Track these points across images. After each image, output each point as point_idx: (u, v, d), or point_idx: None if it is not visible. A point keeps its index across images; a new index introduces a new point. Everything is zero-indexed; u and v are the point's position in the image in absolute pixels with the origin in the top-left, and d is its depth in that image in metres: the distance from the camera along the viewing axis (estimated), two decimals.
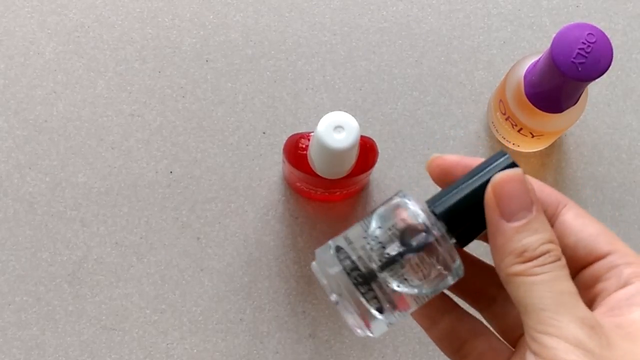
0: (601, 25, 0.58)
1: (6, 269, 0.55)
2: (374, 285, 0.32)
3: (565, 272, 0.30)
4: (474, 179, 0.32)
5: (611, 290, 0.31)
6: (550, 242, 0.30)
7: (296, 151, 0.49)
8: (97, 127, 0.57)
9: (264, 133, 0.57)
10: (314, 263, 0.34)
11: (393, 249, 0.32)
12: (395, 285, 0.32)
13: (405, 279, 0.32)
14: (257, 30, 0.58)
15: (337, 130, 0.43)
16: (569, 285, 0.29)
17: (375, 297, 0.32)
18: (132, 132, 0.57)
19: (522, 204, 0.30)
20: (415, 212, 0.32)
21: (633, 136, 0.58)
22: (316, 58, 0.58)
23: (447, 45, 0.59)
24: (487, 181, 0.31)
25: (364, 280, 0.32)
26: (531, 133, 0.52)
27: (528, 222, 0.30)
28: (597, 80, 0.44)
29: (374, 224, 0.33)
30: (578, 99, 0.49)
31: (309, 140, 0.48)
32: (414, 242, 0.32)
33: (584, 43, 0.44)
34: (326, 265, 0.33)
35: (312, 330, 0.55)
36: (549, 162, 0.57)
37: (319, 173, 0.48)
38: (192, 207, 0.56)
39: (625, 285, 0.30)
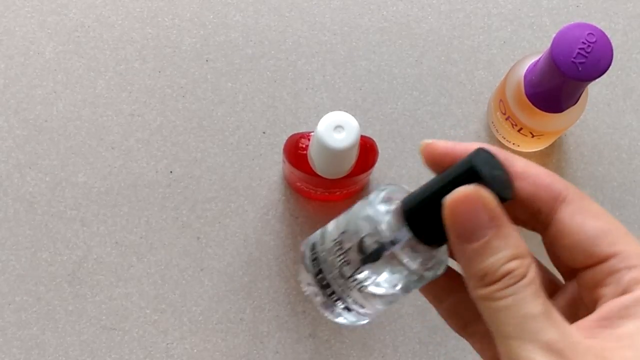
0: (601, 25, 0.58)
1: (6, 269, 0.55)
2: (337, 289, 0.32)
3: (531, 291, 0.27)
4: (444, 181, 0.30)
5: (609, 297, 0.28)
6: (514, 258, 0.28)
7: (296, 151, 0.49)
8: (97, 127, 0.57)
9: (264, 133, 0.57)
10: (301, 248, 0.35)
11: (353, 257, 0.32)
12: (359, 288, 0.32)
13: (369, 283, 0.32)
14: (257, 30, 0.58)
15: (337, 130, 0.43)
16: (534, 306, 0.27)
17: (340, 299, 0.33)
18: (132, 132, 0.57)
19: (478, 223, 0.28)
20: (376, 218, 0.31)
21: (633, 136, 0.58)
22: (316, 58, 0.58)
23: (447, 45, 0.59)
24: (449, 185, 0.29)
25: (327, 284, 0.33)
26: (531, 133, 0.52)
27: (487, 242, 0.28)
28: (597, 80, 0.44)
29: (342, 225, 0.33)
30: (578, 99, 0.49)
31: (309, 140, 0.48)
32: (371, 251, 0.32)
33: (584, 43, 0.44)
34: (303, 259, 0.34)
35: (312, 330, 0.55)
36: (549, 162, 0.57)
37: (319, 173, 0.48)
38: (192, 207, 0.56)
39: (623, 292, 0.28)
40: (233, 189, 0.56)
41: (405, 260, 0.31)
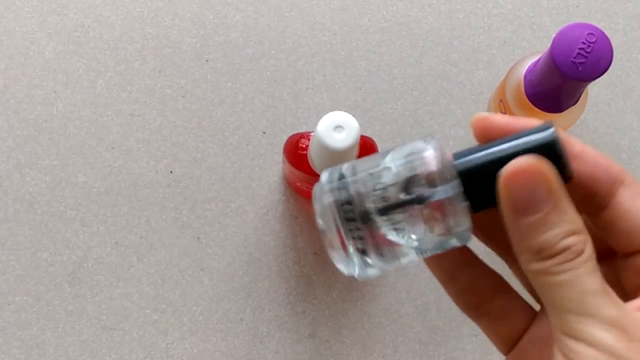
0: (601, 25, 0.58)
1: (6, 269, 0.55)
2: (363, 227, 0.30)
3: (589, 267, 0.27)
4: (507, 146, 0.29)
5: None
6: (572, 233, 0.27)
7: (296, 151, 0.49)
8: (97, 127, 0.57)
9: (264, 133, 0.57)
10: (316, 184, 0.32)
11: (394, 195, 0.30)
12: (387, 233, 0.30)
13: (400, 229, 0.30)
14: (257, 30, 0.58)
15: (337, 130, 0.43)
16: (593, 282, 0.27)
17: (362, 238, 0.30)
18: (132, 132, 0.57)
19: (536, 197, 0.27)
20: (430, 162, 0.30)
21: (633, 136, 0.58)
22: (316, 58, 0.58)
23: (447, 45, 0.59)
24: (516, 154, 0.28)
25: (353, 217, 0.30)
26: None
27: (544, 216, 0.27)
28: (597, 80, 0.44)
29: (386, 162, 0.31)
30: (578, 99, 0.49)
31: (309, 140, 0.48)
32: (417, 194, 0.30)
33: (584, 43, 0.44)
34: (324, 190, 0.31)
35: (312, 330, 0.55)
36: None
37: (319, 173, 0.48)
38: (192, 207, 0.56)
39: None
40: (233, 189, 0.56)
41: (447, 215, 0.30)
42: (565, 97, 0.48)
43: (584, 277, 0.27)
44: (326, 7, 0.59)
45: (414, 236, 0.30)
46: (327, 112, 0.43)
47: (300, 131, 0.51)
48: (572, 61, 0.44)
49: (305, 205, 0.56)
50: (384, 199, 0.30)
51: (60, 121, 0.57)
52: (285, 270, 0.55)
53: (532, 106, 0.49)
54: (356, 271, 0.31)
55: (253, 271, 0.55)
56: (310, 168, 0.48)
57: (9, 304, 0.54)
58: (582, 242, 0.27)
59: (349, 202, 0.30)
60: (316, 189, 0.32)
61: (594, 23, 0.46)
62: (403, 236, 0.30)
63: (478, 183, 0.29)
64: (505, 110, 0.52)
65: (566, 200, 0.28)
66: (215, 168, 0.56)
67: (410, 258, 0.31)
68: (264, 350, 0.54)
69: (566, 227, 0.27)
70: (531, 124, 0.30)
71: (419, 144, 0.31)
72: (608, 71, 0.44)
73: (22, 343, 0.54)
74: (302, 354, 0.55)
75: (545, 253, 0.27)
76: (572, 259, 0.27)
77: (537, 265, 0.27)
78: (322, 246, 0.56)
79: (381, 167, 0.31)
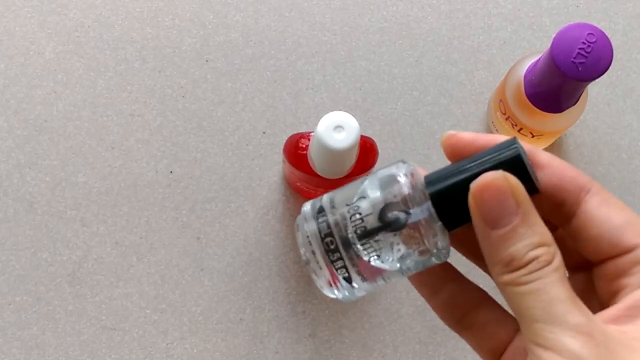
0: (601, 25, 0.58)
1: (6, 269, 0.55)
2: (344, 255, 0.32)
3: (557, 277, 0.28)
4: (475, 164, 0.31)
5: (634, 287, 0.29)
6: (540, 245, 0.28)
7: (296, 151, 0.49)
8: (97, 127, 0.57)
9: (264, 133, 0.57)
10: (299, 215, 0.34)
11: (370, 223, 0.32)
12: (368, 258, 0.32)
13: (381, 254, 0.32)
14: (257, 30, 0.58)
15: (337, 130, 0.43)
16: (560, 291, 0.27)
17: (344, 267, 0.32)
18: (132, 132, 0.57)
19: (504, 210, 0.28)
20: (402, 188, 0.31)
21: (633, 136, 0.58)
22: (316, 58, 0.58)
23: (447, 45, 0.59)
24: (483, 171, 0.30)
25: (335, 248, 0.32)
26: (531, 133, 0.52)
27: (513, 229, 0.28)
28: (597, 80, 0.44)
29: (360, 191, 0.33)
30: (578, 99, 0.49)
31: (309, 140, 0.48)
32: (392, 221, 0.31)
33: (584, 43, 0.44)
34: (306, 221, 0.33)
35: (312, 330, 0.55)
36: None
37: (319, 173, 0.48)
38: (192, 207, 0.56)
39: None
40: (233, 189, 0.56)
41: (423, 236, 0.31)
42: (565, 97, 0.48)
43: (551, 286, 0.27)
44: (326, 7, 0.59)
45: (394, 259, 0.32)
46: (327, 112, 0.43)
47: (300, 131, 0.51)
48: (572, 61, 0.44)
49: None
50: (363, 227, 0.32)
51: (60, 121, 0.57)
52: (285, 270, 0.55)
53: (532, 106, 0.49)
54: (342, 295, 0.33)
55: (253, 271, 0.55)
56: (310, 168, 0.48)
57: (9, 304, 0.54)
58: (550, 253, 0.28)
59: (329, 233, 0.32)
60: (298, 220, 0.34)
61: (594, 23, 0.46)
62: (384, 260, 0.32)
63: (450, 202, 0.31)
64: (505, 110, 0.52)
65: (534, 213, 0.28)
66: (215, 168, 0.56)
67: (395, 278, 0.33)
68: (264, 350, 0.54)
69: (534, 239, 0.28)
70: (496, 140, 0.31)
71: (392, 170, 0.32)
72: (608, 71, 0.44)
73: (22, 343, 0.54)
74: (302, 354, 0.55)
75: (514, 264, 0.28)
76: (539, 269, 0.28)
77: (507, 277, 0.28)
78: None
79: (357, 196, 0.32)
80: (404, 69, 0.58)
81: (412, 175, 0.32)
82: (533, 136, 0.52)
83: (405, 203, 0.31)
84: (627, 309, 0.28)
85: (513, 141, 0.30)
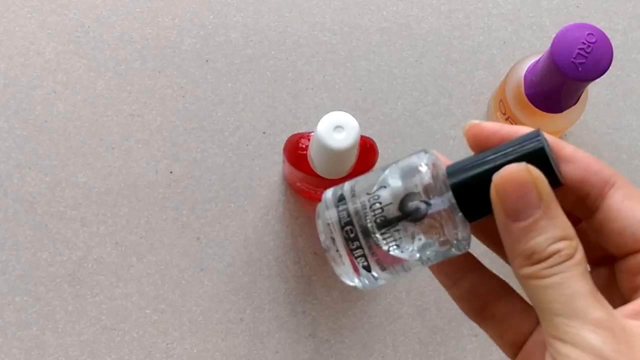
0: (601, 25, 0.58)
1: (6, 269, 0.55)
2: (364, 243, 0.32)
3: (577, 271, 0.27)
4: (497, 155, 0.30)
5: None
6: (562, 239, 0.28)
7: (296, 151, 0.49)
8: (97, 127, 0.57)
9: (264, 133, 0.57)
10: (320, 203, 0.34)
11: (390, 213, 0.31)
12: (387, 248, 0.32)
13: (401, 244, 0.32)
14: (257, 30, 0.58)
15: (337, 130, 0.43)
16: (581, 285, 0.27)
17: (363, 255, 0.32)
18: (132, 132, 0.57)
19: (527, 202, 0.28)
20: (423, 178, 0.31)
21: (633, 136, 0.58)
22: (316, 58, 0.58)
23: (447, 45, 0.59)
24: (506, 163, 0.30)
25: (355, 237, 0.32)
26: None
27: (534, 222, 0.28)
28: (597, 80, 0.44)
29: (381, 180, 0.33)
30: (578, 99, 0.49)
31: (309, 140, 0.48)
32: (412, 211, 0.31)
33: (584, 43, 0.44)
34: (327, 209, 0.33)
35: (312, 330, 0.55)
36: None
37: (319, 173, 0.48)
38: (192, 207, 0.56)
39: None
40: (233, 189, 0.56)
41: (444, 227, 0.31)
42: (565, 97, 0.48)
43: (572, 280, 0.27)
44: (326, 7, 0.59)
45: (414, 249, 0.32)
46: (327, 112, 0.43)
47: (300, 131, 0.51)
48: (572, 61, 0.44)
49: (305, 205, 0.56)
50: (383, 217, 0.32)
51: (60, 121, 0.57)
52: (285, 270, 0.55)
53: (532, 106, 0.49)
54: (362, 284, 0.33)
55: (253, 271, 0.55)
56: (310, 168, 0.48)
57: (9, 304, 0.54)
58: (571, 247, 0.28)
59: (349, 222, 0.32)
60: (319, 207, 0.34)
61: (594, 23, 0.46)
62: (403, 250, 0.32)
63: (471, 193, 0.30)
64: (505, 110, 0.52)
65: (556, 206, 0.28)
66: (215, 168, 0.56)
67: (415, 267, 0.33)
68: (264, 350, 0.54)
69: (556, 232, 0.28)
70: (520, 131, 0.30)
71: (413, 159, 0.32)
72: (608, 71, 0.44)
73: (22, 343, 0.54)
74: (302, 354, 0.55)
75: (535, 257, 0.28)
76: (560, 262, 0.27)
77: (527, 270, 0.28)
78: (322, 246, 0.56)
79: (378, 186, 0.32)
80: (404, 69, 0.58)
81: (433, 165, 0.32)
82: None
83: (426, 193, 0.31)
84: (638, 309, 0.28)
85: (537, 133, 0.29)
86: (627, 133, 0.58)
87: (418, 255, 0.32)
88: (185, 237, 0.56)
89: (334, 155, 0.44)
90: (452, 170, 0.31)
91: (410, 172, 0.32)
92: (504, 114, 0.52)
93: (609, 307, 0.27)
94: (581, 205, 0.31)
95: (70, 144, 0.57)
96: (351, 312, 0.55)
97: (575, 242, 0.28)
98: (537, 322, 0.31)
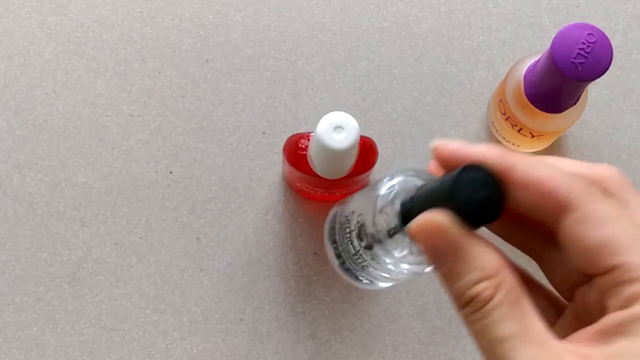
0: (601, 25, 0.58)
1: (6, 269, 0.55)
2: (347, 260, 0.38)
3: (498, 314, 0.26)
4: (428, 197, 0.30)
5: (611, 310, 0.27)
6: (480, 280, 0.27)
7: (296, 151, 0.49)
8: (97, 127, 0.57)
9: (264, 133, 0.57)
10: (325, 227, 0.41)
11: (355, 238, 0.36)
12: (363, 265, 0.37)
13: (369, 265, 0.36)
14: (257, 30, 0.58)
15: (337, 130, 0.43)
16: (502, 329, 0.26)
17: (349, 269, 0.38)
18: (132, 132, 0.57)
19: (438, 251, 0.27)
20: (376, 209, 0.33)
21: (633, 136, 0.58)
22: (316, 58, 0.58)
23: (447, 45, 0.59)
24: (430, 198, 0.30)
25: (340, 254, 0.39)
26: (531, 133, 0.52)
27: (450, 268, 0.27)
28: (597, 80, 0.44)
29: (353, 206, 0.37)
30: (578, 99, 0.49)
31: (309, 140, 0.48)
32: (366, 241, 0.35)
33: (584, 43, 0.44)
34: (326, 239, 0.41)
35: (312, 330, 0.55)
36: None
37: (318, 173, 0.48)
38: (192, 207, 0.56)
39: (623, 307, 0.26)
40: (233, 189, 0.56)
41: (396, 253, 0.32)
42: (565, 97, 0.48)
43: (492, 326, 0.26)
44: (326, 7, 0.59)
45: (381, 270, 0.36)
46: (327, 112, 0.43)
47: (300, 131, 0.51)
48: (572, 61, 0.44)
49: (305, 205, 0.56)
50: (350, 241, 0.37)
51: (60, 121, 0.57)
52: (285, 271, 0.55)
53: (532, 106, 0.49)
54: (363, 286, 0.41)
55: (253, 271, 0.55)
56: (310, 168, 0.48)
57: (9, 304, 0.54)
58: (492, 287, 0.27)
59: (334, 241, 0.39)
60: (325, 235, 0.42)
61: (594, 23, 0.46)
62: (376, 271, 0.36)
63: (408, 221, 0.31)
64: (505, 110, 0.52)
65: (473, 247, 0.27)
66: (215, 168, 0.56)
67: (397, 278, 0.38)
68: (264, 351, 0.54)
69: (474, 275, 0.27)
70: (476, 152, 0.29)
71: (375, 192, 0.34)
72: (608, 71, 0.44)
73: (22, 343, 0.54)
74: (302, 354, 0.55)
75: (458, 303, 0.27)
76: (479, 308, 0.27)
77: (460, 313, 0.28)
78: (322, 246, 0.56)
79: (349, 211, 0.38)
80: (404, 69, 0.58)
81: (396, 192, 0.33)
82: (533, 136, 0.52)
83: (378, 224, 0.33)
84: (597, 333, 0.27)
85: (460, 172, 0.28)
86: (627, 133, 0.58)
87: (392, 273, 0.35)
88: (185, 237, 0.56)
89: (334, 155, 0.44)
90: (403, 204, 0.32)
91: (369, 202, 0.34)
92: (504, 114, 0.52)
93: (544, 341, 0.26)
94: (544, 232, 0.30)
95: (70, 144, 0.57)
96: (351, 312, 0.55)
97: (496, 280, 0.27)
98: (558, 316, 0.31)
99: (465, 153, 0.29)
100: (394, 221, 0.32)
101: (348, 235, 0.36)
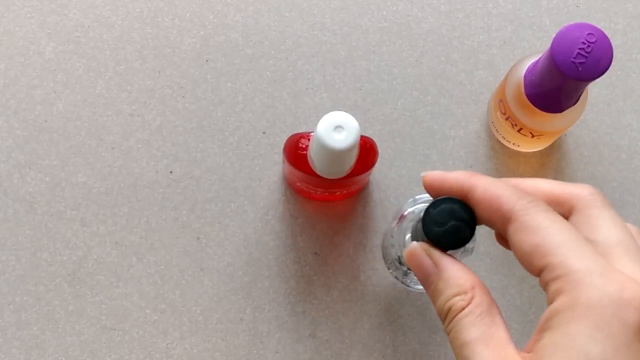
0: (601, 25, 0.58)
1: (6, 269, 0.55)
2: (393, 271, 0.51)
3: (467, 321, 0.31)
4: (418, 225, 0.36)
5: (546, 308, 0.30)
6: (455, 295, 0.32)
7: (296, 151, 0.49)
8: (97, 127, 0.57)
9: (264, 133, 0.57)
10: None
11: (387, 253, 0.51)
12: (402, 279, 0.51)
13: (396, 275, 0.51)
14: (257, 30, 0.58)
15: (337, 130, 0.43)
16: (470, 333, 0.31)
17: (396, 277, 0.51)
18: (132, 132, 0.57)
19: (425, 274, 0.33)
20: (392, 239, 0.48)
21: (633, 136, 0.58)
22: (316, 58, 0.58)
23: (447, 45, 0.59)
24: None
25: (388, 267, 0.52)
26: (531, 133, 0.52)
27: (434, 287, 0.33)
28: (597, 80, 0.44)
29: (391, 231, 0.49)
30: (578, 99, 0.49)
31: (309, 140, 0.48)
32: (394, 260, 0.49)
33: (584, 43, 0.44)
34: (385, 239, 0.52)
35: (312, 330, 0.55)
36: (549, 162, 0.57)
37: (319, 173, 0.48)
38: (192, 207, 0.56)
39: (550, 303, 0.30)
40: (233, 189, 0.56)
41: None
42: (565, 97, 0.48)
43: (461, 331, 0.31)
44: (326, 7, 0.59)
45: (402, 278, 0.51)
46: (327, 112, 0.43)
47: (300, 131, 0.51)
48: (572, 61, 0.44)
49: (305, 205, 0.56)
50: (384, 257, 0.53)
51: (60, 121, 0.57)
52: (285, 270, 0.55)
53: (532, 106, 0.49)
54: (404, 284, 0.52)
55: (253, 271, 0.55)
56: (310, 168, 0.48)
57: (9, 304, 0.54)
58: (465, 299, 0.32)
59: (383, 255, 0.53)
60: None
61: (594, 23, 0.46)
62: (399, 278, 0.51)
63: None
64: (505, 110, 0.52)
65: (450, 268, 0.33)
66: (215, 168, 0.56)
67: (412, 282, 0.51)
68: (264, 350, 0.54)
69: (450, 291, 0.32)
70: (459, 179, 0.34)
71: (393, 226, 0.49)
72: (608, 71, 0.44)
73: (22, 343, 0.54)
74: (302, 354, 0.55)
75: (440, 316, 0.33)
76: (452, 318, 0.31)
77: (444, 327, 0.32)
78: (322, 246, 0.56)
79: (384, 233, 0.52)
80: (404, 69, 0.58)
81: (409, 222, 0.46)
82: (533, 136, 0.52)
83: (395, 250, 0.49)
84: (535, 334, 0.30)
85: (427, 210, 0.34)
86: (627, 133, 0.58)
87: (402, 280, 0.50)
88: (185, 237, 0.56)
89: (334, 155, 0.44)
90: (411, 230, 0.40)
91: (389, 230, 0.50)
92: (504, 114, 0.52)
93: (502, 347, 0.30)
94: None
95: (70, 144, 0.57)
96: (351, 312, 0.55)
97: (469, 295, 0.32)
98: None
99: (442, 180, 0.35)
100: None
101: (386, 249, 0.51)
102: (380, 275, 0.55)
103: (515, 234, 0.31)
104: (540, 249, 0.30)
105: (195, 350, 0.54)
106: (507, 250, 0.33)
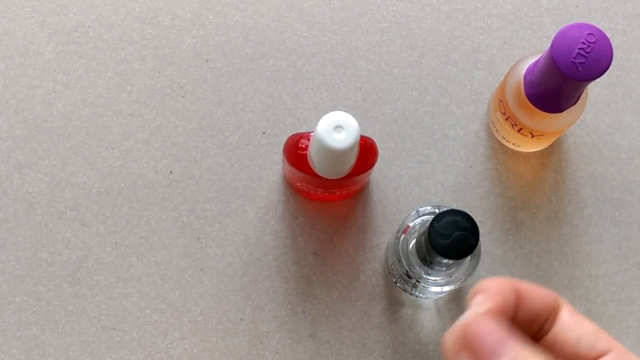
0: (601, 25, 0.58)
1: (6, 269, 0.55)
2: (400, 283, 0.52)
3: None
4: (424, 240, 0.39)
5: None
6: None
7: (296, 151, 0.49)
8: (97, 127, 0.57)
9: (264, 133, 0.57)
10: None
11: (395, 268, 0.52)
12: (411, 290, 0.52)
13: (404, 288, 0.53)
14: (257, 30, 0.58)
15: (337, 130, 0.43)
16: None
17: (404, 289, 0.53)
18: (132, 132, 0.57)
19: (493, 346, 0.29)
20: (400, 252, 0.48)
21: (633, 136, 0.58)
22: (316, 58, 0.58)
23: (447, 45, 0.59)
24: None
25: (395, 281, 0.53)
26: (531, 133, 0.52)
27: None
28: (597, 80, 0.44)
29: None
30: (578, 99, 0.49)
31: (309, 140, 0.48)
32: (400, 274, 0.50)
33: (584, 43, 0.44)
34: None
35: (312, 330, 0.55)
36: (549, 162, 0.57)
37: (319, 173, 0.48)
38: (192, 207, 0.56)
39: None
40: (233, 189, 0.56)
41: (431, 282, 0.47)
42: (565, 97, 0.48)
43: None
44: (326, 7, 0.59)
45: (414, 291, 0.52)
46: (327, 112, 0.43)
47: (300, 131, 0.51)
48: (572, 61, 0.44)
49: (305, 205, 0.56)
50: (390, 270, 0.54)
51: (60, 121, 0.57)
52: (285, 270, 0.55)
53: (532, 106, 0.49)
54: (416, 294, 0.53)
55: (253, 271, 0.55)
56: (310, 168, 0.48)
57: (9, 304, 0.54)
58: None
59: (388, 268, 0.54)
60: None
61: (594, 23, 0.46)
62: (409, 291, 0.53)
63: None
64: (505, 110, 0.52)
65: (519, 343, 0.29)
66: (215, 168, 0.56)
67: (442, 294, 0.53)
68: (264, 350, 0.54)
69: None
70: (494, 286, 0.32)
71: (399, 236, 0.49)
72: (608, 71, 0.44)
73: (22, 343, 0.54)
74: (302, 354, 0.55)
75: None
76: None
77: None
78: (322, 246, 0.56)
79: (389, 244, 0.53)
80: (404, 69, 0.58)
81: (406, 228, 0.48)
82: (533, 136, 0.52)
83: (403, 263, 0.49)
84: None
85: (433, 221, 0.38)
86: (627, 133, 0.58)
87: (417, 293, 0.52)
88: (185, 237, 0.56)
89: (334, 155, 0.44)
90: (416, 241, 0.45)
91: (394, 243, 0.49)
92: (504, 114, 0.52)
93: None
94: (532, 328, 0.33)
95: (70, 144, 0.57)
96: (351, 312, 0.55)
97: None
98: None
99: (486, 289, 0.32)
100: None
101: (390, 262, 0.52)
102: (380, 275, 0.55)
103: (574, 316, 0.32)
104: (604, 332, 0.31)
105: (195, 351, 0.54)
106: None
